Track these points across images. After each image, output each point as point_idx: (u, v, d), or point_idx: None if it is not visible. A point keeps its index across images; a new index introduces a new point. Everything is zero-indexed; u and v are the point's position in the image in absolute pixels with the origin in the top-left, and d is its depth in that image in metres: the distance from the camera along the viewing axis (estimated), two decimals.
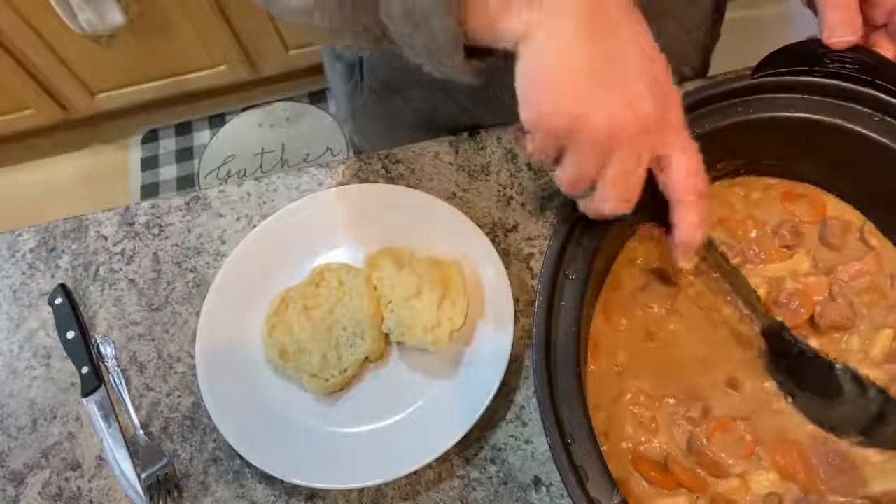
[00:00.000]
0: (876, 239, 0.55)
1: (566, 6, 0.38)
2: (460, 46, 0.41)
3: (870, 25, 0.52)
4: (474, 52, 0.43)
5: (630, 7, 0.41)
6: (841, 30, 0.50)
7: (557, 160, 0.42)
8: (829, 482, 0.47)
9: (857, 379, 0.49)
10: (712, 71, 0.86)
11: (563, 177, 0.42)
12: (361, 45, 0.48)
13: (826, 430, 0.49)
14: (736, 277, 0.51)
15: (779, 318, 0.51)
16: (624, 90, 0.39)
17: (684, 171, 0.42)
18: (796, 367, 0.50)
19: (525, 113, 0.40)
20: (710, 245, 0.49)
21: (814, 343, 0.51)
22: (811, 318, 0.52)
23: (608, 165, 0.40)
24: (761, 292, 0.53)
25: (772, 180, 0.58)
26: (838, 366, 0.49)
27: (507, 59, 0.41)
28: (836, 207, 0.57)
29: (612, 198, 0.42)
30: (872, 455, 0.48)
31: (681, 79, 0.73)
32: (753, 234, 0.56)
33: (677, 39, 0.76)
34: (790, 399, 0.50)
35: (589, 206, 0.44)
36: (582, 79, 0.39)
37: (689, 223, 0.43)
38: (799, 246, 0.56)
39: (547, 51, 0.39)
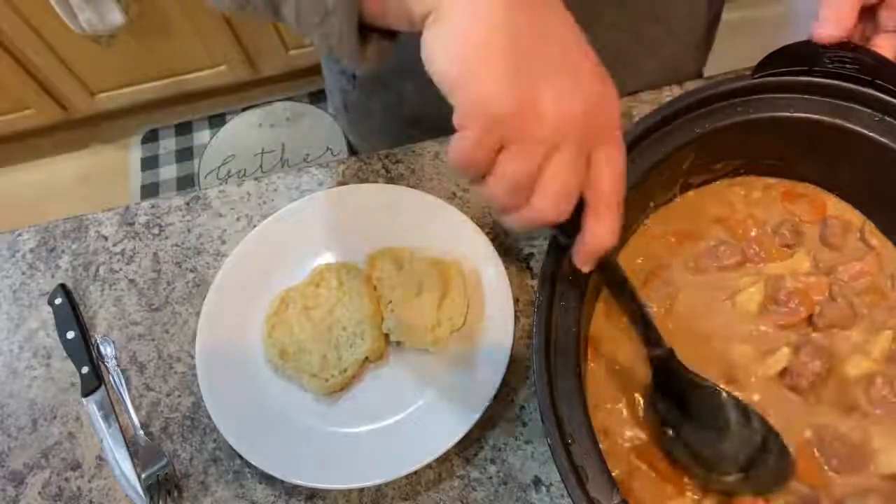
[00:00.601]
0: (876, 239, 0.55)
1: None
2: (354, 22, 0.36)
3: (876, 27, 0.52)
4: (371, 29, 0.38)
5: None
6: (828, 25, 0.50)
7: (489, 166, 0.36)
8: (839, 468, 0.47)
9: (741, 406, 0.47)
10: (712, 71, 0.86)
11: (503, 182, 0.36)
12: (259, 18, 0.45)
13: (707, 472, 0.47)
14: (630, 299, 0.46)
15: (668, 346, 0.47)
16: (571, 74, 0.34)
17: (611, 176, 0.38)
18: (684, 396, 0.48)
19: (461, 97, 0.34)
20: (610, 263, 0.45)
21: (815, 337, 0.51)
22: (810, 318, 0.53)
23: (549, 164, 0.35)
24: (758, 290, 0.53)
25: (772, 180, 0.58)
26: (724, 393, 0.48)
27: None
28: (837, 207, 0.57)
29: (550, 204, 0.36)
30: (876, 433, 0.48)
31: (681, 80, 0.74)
32: (753, 233, 0.56)
33: (673, 47, 0.76)
34: (671, 432, 0.48)
35: (520, 217, 0.37)
36: (520, 57, 0.33)
37: (602, 230, 0.39)
38: (799, 245, 0.56)
39: (471, 25, 0.34)
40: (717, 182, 0.58)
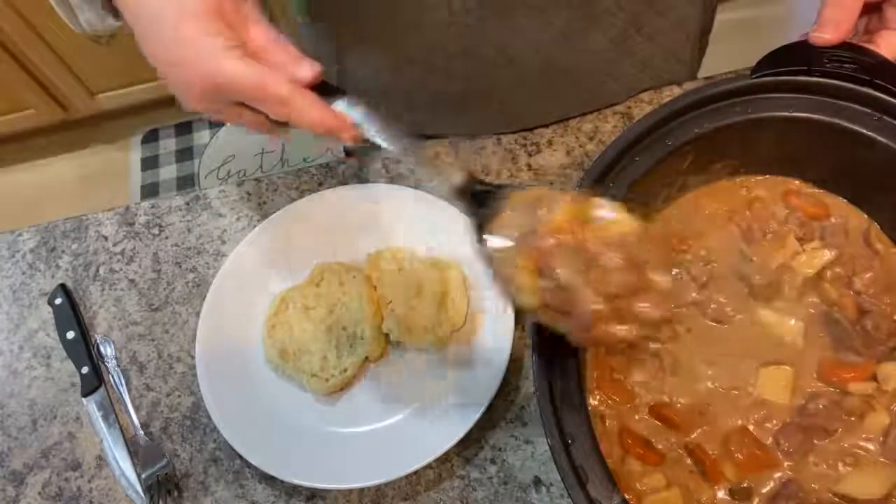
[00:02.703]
0: (881, 243, 0.54)
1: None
2: None
3: (881, 23, 0.52)
4: None
5: None
6: (826, 29, 0.50)
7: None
8: (791, 450, 0.47)
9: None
10: (712, 71, 0.86)
11: None
12: None
13: None
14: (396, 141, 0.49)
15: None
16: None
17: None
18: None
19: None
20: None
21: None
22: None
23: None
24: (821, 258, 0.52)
25: (775, 178, 0.57)
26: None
27: None
28: (839, 208, 0.56)
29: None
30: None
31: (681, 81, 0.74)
32: (768, 228, 0.55)
33: (673, 42, 0.76)
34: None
35: None
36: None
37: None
38: (808, 241, 0.55)
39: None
40: (719, 182, 0.58)
